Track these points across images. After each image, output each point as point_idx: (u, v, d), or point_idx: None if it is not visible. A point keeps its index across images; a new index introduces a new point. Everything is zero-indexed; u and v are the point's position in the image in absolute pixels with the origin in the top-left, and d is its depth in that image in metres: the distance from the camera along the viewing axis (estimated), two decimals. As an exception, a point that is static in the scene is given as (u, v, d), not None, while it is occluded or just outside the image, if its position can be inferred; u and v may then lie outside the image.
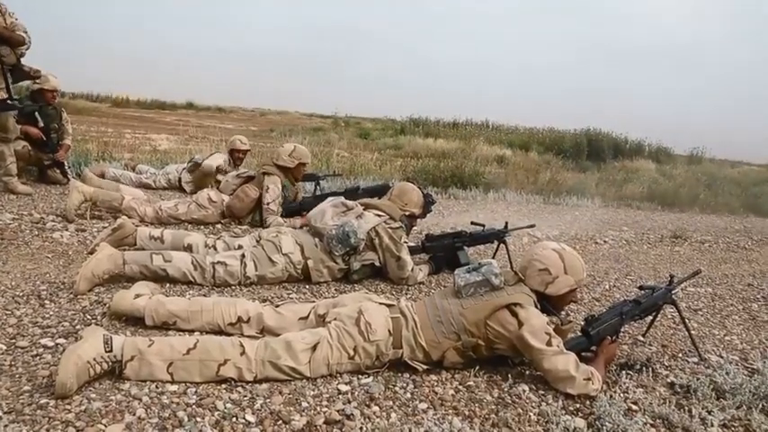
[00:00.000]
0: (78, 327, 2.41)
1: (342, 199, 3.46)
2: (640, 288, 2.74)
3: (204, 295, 2.97)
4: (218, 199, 4.44)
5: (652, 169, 15.70)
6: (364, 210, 3.42)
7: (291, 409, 1.96)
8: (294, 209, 4.70)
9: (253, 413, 1.90)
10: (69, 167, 5.69)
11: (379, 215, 3.39)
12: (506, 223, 4.03)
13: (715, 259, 5.43)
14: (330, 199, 3.49)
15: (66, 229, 3.84)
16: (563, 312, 3.19)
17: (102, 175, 5.84)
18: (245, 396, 2.01)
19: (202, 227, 4.33)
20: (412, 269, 3.47)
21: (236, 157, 6.08)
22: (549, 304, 2.48)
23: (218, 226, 4.41)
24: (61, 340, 2.28)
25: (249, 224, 4.50)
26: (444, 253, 3.79)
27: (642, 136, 20.24)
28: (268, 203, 4.39)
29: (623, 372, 2.50)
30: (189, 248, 3.33)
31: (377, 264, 3.41)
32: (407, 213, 3.57)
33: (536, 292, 2.41)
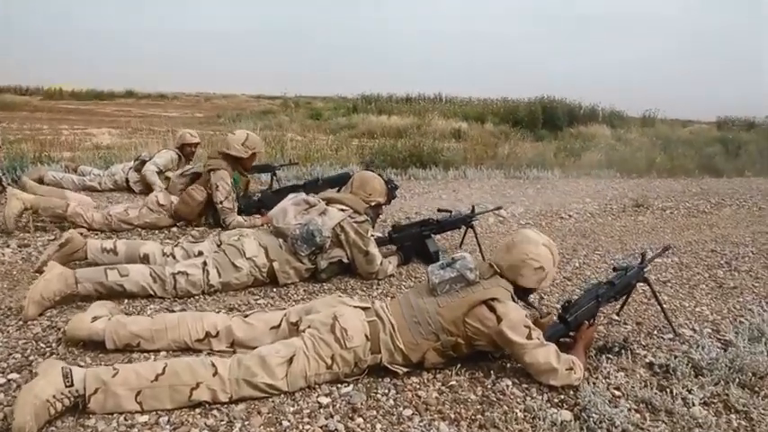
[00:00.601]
0: (32, 357, 2.28)
1: (303, 196, 3.37)
2: (614, 269, 2.77)
3: (167, 308, 2.86)
4: (166, 201, 4.25)
5: (608, 135, 16.03)
6: (327, 205, 3.34)
7: (272, 430, 1.91)
8: (252, 205, 4.58)
9: (232, 439, 1.84)
10: (3, 173, 5.39)
11: (342, 210, 3.32)
12: (473, 207, 4.02)
13: (678, 226, 5.59)
14: (291, 196, 3.39)
15: (8, 246, 3.63)
16: (532, 297, 3.23)
17: (41, 180, 5.56)
18: (222, 420, 1.94)
19: (157, 231, 4.17)
20: (381, 262, 3.43)
21: (187, 152, 5.89)
22: (525, 293, 2.49)
23: (174, 229, 4.26)
24: (14, 375, 2.15)
25: (206, 225, 4.35)
26: (412, 242, 3.76)
27: (595, 101, 20.54)
28: (221, 202, 4.20)
29: (603, 356, 2.53)
30: (145, 259, 3.20)
31: (345, 260, 3.36)
32: (373, 203, 3.51)
33: (515, 285, 2.41)
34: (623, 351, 2.60)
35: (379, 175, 3.65)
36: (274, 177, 5.72)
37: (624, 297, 2.98)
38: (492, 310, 2.29)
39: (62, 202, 3.98)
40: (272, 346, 2.21)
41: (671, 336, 2.85)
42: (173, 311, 2.82)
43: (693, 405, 2.19)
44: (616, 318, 3.06)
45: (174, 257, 3.23)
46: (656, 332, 2.90)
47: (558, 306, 2.63)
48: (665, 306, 2.94)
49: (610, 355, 2.55)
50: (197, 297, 3.01)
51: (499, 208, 4.34)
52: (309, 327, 2.28)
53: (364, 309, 2.38)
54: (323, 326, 2.25)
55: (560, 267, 3.91)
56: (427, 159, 8.36)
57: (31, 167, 6.14)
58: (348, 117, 20.55)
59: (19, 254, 3.54)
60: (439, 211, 4.02)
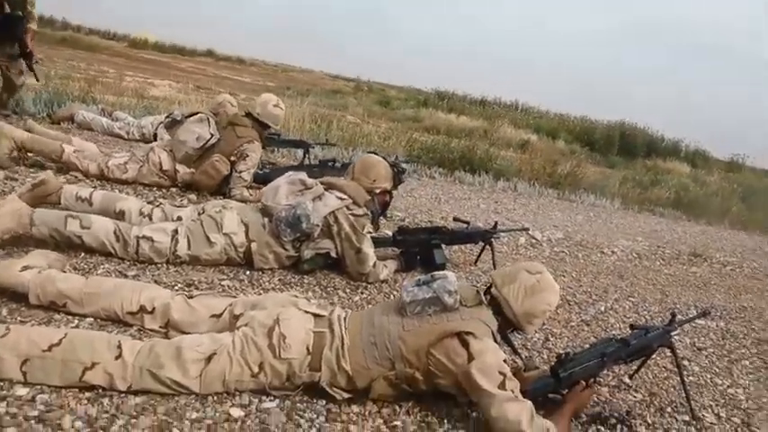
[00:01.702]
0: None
1: (301, 175, 3.07)
2: (632, 327, 2.34)
3: (121, 272, 2.64)
4: (170, 167, 3.91)
5: (685, 173, 15.15)
6: (326, 190, 3.04)
7: (157, 437, 1.62)
8: (258, 178, 4.26)
9: (102, 440, 1.57)
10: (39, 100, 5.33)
11: (341, 198, 3.01)
12: (495, 223, 3.64)
13: (735, 286, 4.97)
14: (288, 174, 3.10)
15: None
16: (538, 338, 2.84)
17: (72, 118, 5.51)
18: (106, 412, 1.68)
19: (155, 189, 3.94)
20: (374, 264, 3.10)
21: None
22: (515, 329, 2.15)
23: (174, 189, 4.02)
24: None
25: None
26: (419, 249, 3.40)
27: (680, 135, 19.48)
28: (241, 172, 3.96)
29: (594, 426, 2.12)
30: (120, 215, 2.98)
31: (333, 254, 3.04)
32: (378, 191, 3.19)
33: (505, 319, 2.05)
34: (622, 426, 2.17)
35: (383, 158, 3.31)
36: (307, 155, 5.49)
37: (642, 360, 2.54)
38: (465, 345, 1.93)
39: (56, 145, 3.79)
40: (195, 338, 1.94)
41: (687, 418, 2.39)
42: (125, 276, 2.59)
43: None
44: (627, 381, 2.62)
45: (150, 219, 3.01)
46: (670, 409, 2.44)
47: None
48: (687, 380, 2.49)
49: (602, 428, 2.14)
50: (159, 265, 2.77)
51: (525, 229, 3.92)
52: (246, 325, 1.98)
53: (317, 316, 2.05)
54: (260, 327, 1.95)
55: (582, 309, 3.47)
56: (479, 165, 7.93)
57: (68, 104, 6.11)
58: (416, 110, 20.31)
59: (2, 185, 3.40)
60: (455, 220, 3.65)
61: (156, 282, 2.57)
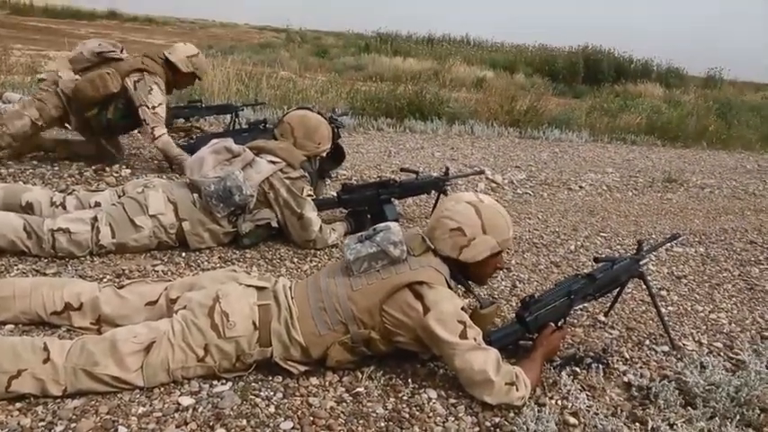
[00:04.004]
0: None
1: (227, 142, 3.09)
2: (596, 260, 2.49)
3: (39, 270, 2.65)
4: (28, 107, 3.85)
5: (659, 95, 15.51)
6: (256, 155, 3.08)
7: (101, 437, 1.68)
8: (189, 148, 4.26)
9: (41, 447, 1.62)
10: None
11: (273, 162, 3.05)
12: (447, 169, 3.73)
13: (714, 209, 5.24)
14: (213, 142, 3.12)
15: None
16: (506, 285, 2.97)
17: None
18: (43, 420, 1.73)
19: (66, 176, 3.89)
20: (320, 228, 3.18)
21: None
22: (469, 276, 2.24)
23: (87, 173, 3.97)
24: None
25: (93, 127, 3.95)
26: (367, 207, 3.48)
27: (650, 55, 19.91)
28: (154, 107, 3.88)
29: (568, 368, 2.27)
30: (29, 208, 2.96)
31: (274, 224, 3.11)
32: (324, 154, 3.28)
33: (450, 260, 2.14)
34: (598, 364, 2.32)
35: (320, 114, 3.38)
36: (235, 119, 5.47)
37: (615, 294, 2.71)
38: (419, 297, 2.03)
39: None
40: (131, 329, 1.98)
41: (667, 348, 2.57)
42: (44, 274, 2.60)
43: (672, 445, 1.93)
44: (602, 319, 2.78)
45: (64, 208, 3.00)
46: (648, 342, 2.62)
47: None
48: (666, 310, 2.67)
49: (578, 369, 2.29)
50: (82, 259, 2.79)
51: (481, 172, 4.04)
52: (185, 307, 2.04)
53: (260, 289, 2.13)
54: (200, 307, 2.01)
55: (550, 249, 3.64)
56: (429, 110, 8.01)
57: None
58: (358, 57, 20.16)
59: None
60: (402, 171, 3.74)
61: (80, 277, 2.60)
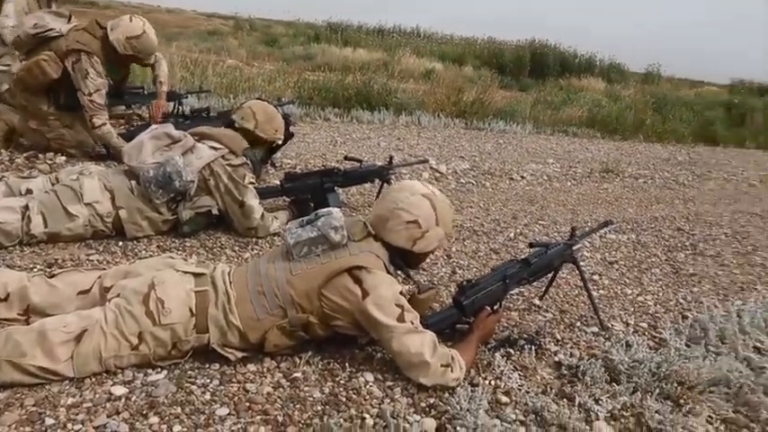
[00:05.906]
0: None
1: (167, 128, 3.04)
2: (531, 246, 2.54)
3: (-35, 260, 2.55)
4: None
5: (600, 89, 15.86)
6: (198, 141, 3.03)
7: (28, 430, 1.63)
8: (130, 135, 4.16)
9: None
10: None
11: (215, 148, 3.01)
12: (391, 158, 3.75)
13: (647, 198, 5.42)
14: (152, 127, 3.06)
15: None
16: (444, 272, 3.01)
17: None
18: (-36, 413, 1.66)
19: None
20: (262, 216, 3.15)
21: None
22: (408, 262, 2.25)
23: (18, 160, 3.83)
24: None
25: (47, 114, 3.83)
26: (310, 195, 3.47)
27: (594, 50, 20.36)
28: (90, 94, 3.73)
29: (502, 350, 2.31)
30: (-44, 196, 2.85)
31: (215, 211, 3.07)
32: (279, 143, 3.30)
33: (396, 249, 2.16)
34: (531, 345, 2.38)
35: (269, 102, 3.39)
36: (179, 106, 5.36)
37: (549, 279, 2.77)
38: (357, 281, 2.04)
39: None
40: (61, 318, 1.93)
41: (597, 329, 2.65)
42: (-30, 265, 2.51)
43: (597, 418, 1.99)
44: (537, 303, 2.85)
45: (-7, 195, 2.89)
46: (579, 323, 2.70)
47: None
48: (598, 294, 2.75)
49: (511, 350, 2.33)
50: (10, 249, 2.69)
51: (425, 161, 4.07)
52: (118, 295, 2.00)
53: (197, 275, 2.10)
54: (134, 295, 1.98)
55: (490, 237, 3.69)
56: (377, 100, 8.02)
57: None
58: (307, 46, 19.98)
59: None
60: (347, 159, 3.74)
61: (8, 267, 2.51)
